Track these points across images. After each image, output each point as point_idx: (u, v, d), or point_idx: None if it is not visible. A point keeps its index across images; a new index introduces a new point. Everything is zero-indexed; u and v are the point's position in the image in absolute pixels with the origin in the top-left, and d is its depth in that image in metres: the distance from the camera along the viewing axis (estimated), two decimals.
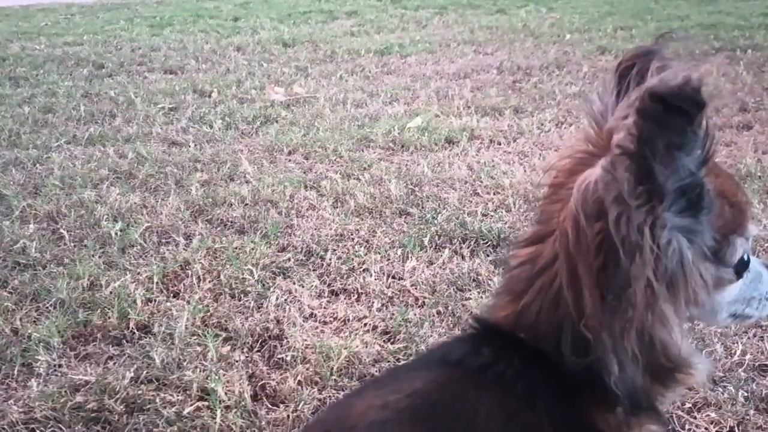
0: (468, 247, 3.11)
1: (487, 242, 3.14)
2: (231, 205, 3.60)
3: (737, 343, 2.35)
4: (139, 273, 2.90)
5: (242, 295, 2.76)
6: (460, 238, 3.18)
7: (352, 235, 3.26)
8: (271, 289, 2.79)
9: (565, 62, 6.87)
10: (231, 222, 3.43)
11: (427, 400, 1.02)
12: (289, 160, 4.33)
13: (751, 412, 2.05)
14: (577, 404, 1.03)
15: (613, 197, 0.91)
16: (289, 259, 3.03)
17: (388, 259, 3.03)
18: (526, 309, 1.07)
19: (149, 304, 2.70)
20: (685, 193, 0.95)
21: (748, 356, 2.29)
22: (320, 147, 4.47)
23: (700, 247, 0.98)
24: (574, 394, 1.03)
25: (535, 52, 7.46)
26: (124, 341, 2.50)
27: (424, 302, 2.72)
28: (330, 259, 3.02)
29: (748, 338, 2.39)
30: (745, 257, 1.09)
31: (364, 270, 2.95)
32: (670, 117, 0.86)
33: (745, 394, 2.11)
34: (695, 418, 2.05)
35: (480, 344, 1.08)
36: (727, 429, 2.00)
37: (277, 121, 5.17)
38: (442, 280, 2.85)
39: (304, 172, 4.09)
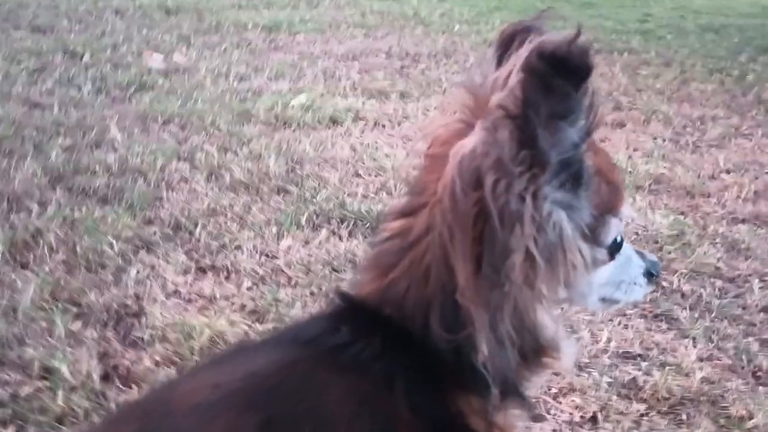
0: (346, 228, 3.02)
1: (366, 224, 3.07)
2: (95, 173, 3.35)
3: (603, 330, 2.39)
4: None
5: (99, 269, 2.55)
6: (338, 219, 3.10)
7: (225, 210, 3.10)
8: (133, 263, 2.60)
9: (453, 51, 6.91)
10: (94, 191, 3.19)
11: (267, 383, 0.90)
12: (164, 130, 4.09)
13: (614, 397, 2.08)
14: (440, 387, 0.96)
15: (492, 162, 0.84)
16: (154, 233, 2.84)
17: (262, 237, 2.90)
18: (394, 284, 0.98)
19: None
20: (566, 167, 0.89)
21: (612, 343, 2.33)
22: (198, 118, 4.26)
23: (578, 223, 0.93)
24: (438, 376, 0.96)
25: (424, 40, 7.46)
26: None
27: (297, 282, 2.61)
28: (200, 235, 2.86)
29: (614, 326, 2.44)
30: (618, 239, 1.06)
31: (235, 247, 2.81)
32: (556, 78, 0.81)
33: (609, 380, 2.14)
34: (560, 403, 2.06)
35: (339, 322, 0.98)
36: (591, 414, 2.02)
37: (153, 89, 4.89)
38: (317, 261, 2.75)
39: (179, 143, 3.87)
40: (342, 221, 3.08)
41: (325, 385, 0.90)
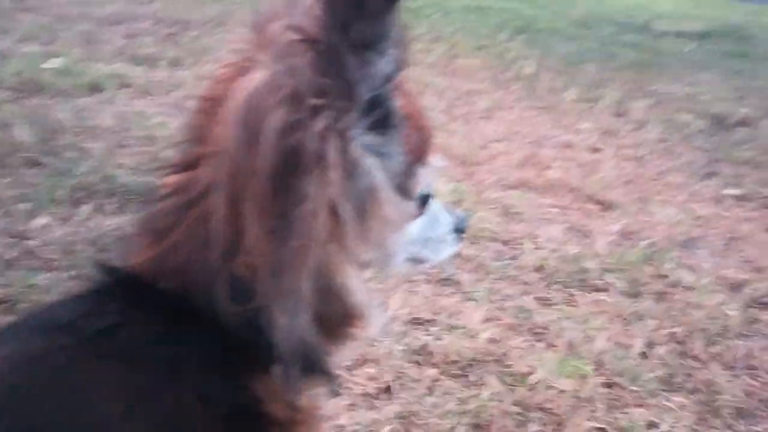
0: (113, 203, 2.72)
1: (136, 197, 2.78)
2: None
3: (392, 297, 2.36)
4: None
5: None
6: (104, 193, 2.78)
7: None
8: None
9: (227, 19, 6.61)
10: None
11: (8, 383, 0.69)
12: None
13: (407, 365, 2.05)
14: (234, 371, 0.81)
15: (285, 94, 0.69)
16: None
17: (11, 216, 2.52)
18: (174, 250, 0.80)
19: None
20: (377, 106, 0.78)
21: (402, 310, 2.31)
22: None
23: (389, 172, 0.82)
24: (231, 359, 0.80)
25: (194, 7, 7.07)
26: None
27: (56, 265, 2.29)
28: None
29: (402, 292, 2.41)
30: (428, 191, 0.96)
31: None
32: None
33: (402, 348, 2.11)
34: (355, 375, 1.99)
35: (105, 301, 0.79)
36: (385, 384, 1.97)
37: None
38: (79, 240, 2.44)
39: None
40: (108, 195, 2.77)
41: (87, 383, 0.70)
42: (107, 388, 0.71)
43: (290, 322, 0.78)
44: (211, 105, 0.86)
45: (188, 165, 0.85)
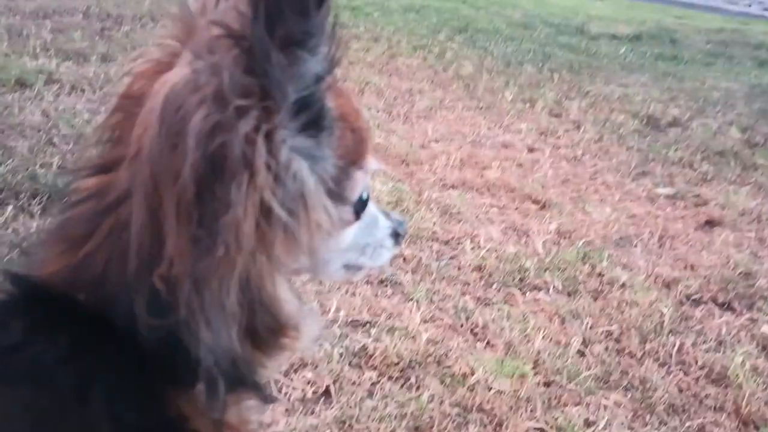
0: (39, 204, 2.61)
1: (63, 199, 2.67)
2: None
3: (331, 299, 2.32)
4: None
5: None
6: (28, 193, 2.66)
7: None
8: None
9: (160, 14, 6.44)
10: None
11: None
12: None
13: (346, 368, 2.02)
14: (153, 388, 0.75)
15: (207, 94, 0.65)
16: None
17: None
18: (90, 259, 0.74)
19: None
20: (307, 107, 0.73)
21: (341, 312, 2.27)
22: None
23: (322, 176, 0.77)
24: (151, 375, 0.75)
25: (127, 1, 6.87)
26: None
27: None
28: None
29: (342, 294, 2.38)
30: (365, 195, 0.92)
31: None
32: None
33: (340, 351, 2.08)
34: (292, 380, 1.94)
35: (9, 316, 0.73)
36: (324, 388, 1.93)
37: None
38: (2, 243, 2.33)
39: None
40: (33, 196, 2.65)
41: None
42: (9, 410, 0.65)
43: (214, 336, 0.74)
44: (129, 103, 0.81)
45: (105, 167, 0.79)
